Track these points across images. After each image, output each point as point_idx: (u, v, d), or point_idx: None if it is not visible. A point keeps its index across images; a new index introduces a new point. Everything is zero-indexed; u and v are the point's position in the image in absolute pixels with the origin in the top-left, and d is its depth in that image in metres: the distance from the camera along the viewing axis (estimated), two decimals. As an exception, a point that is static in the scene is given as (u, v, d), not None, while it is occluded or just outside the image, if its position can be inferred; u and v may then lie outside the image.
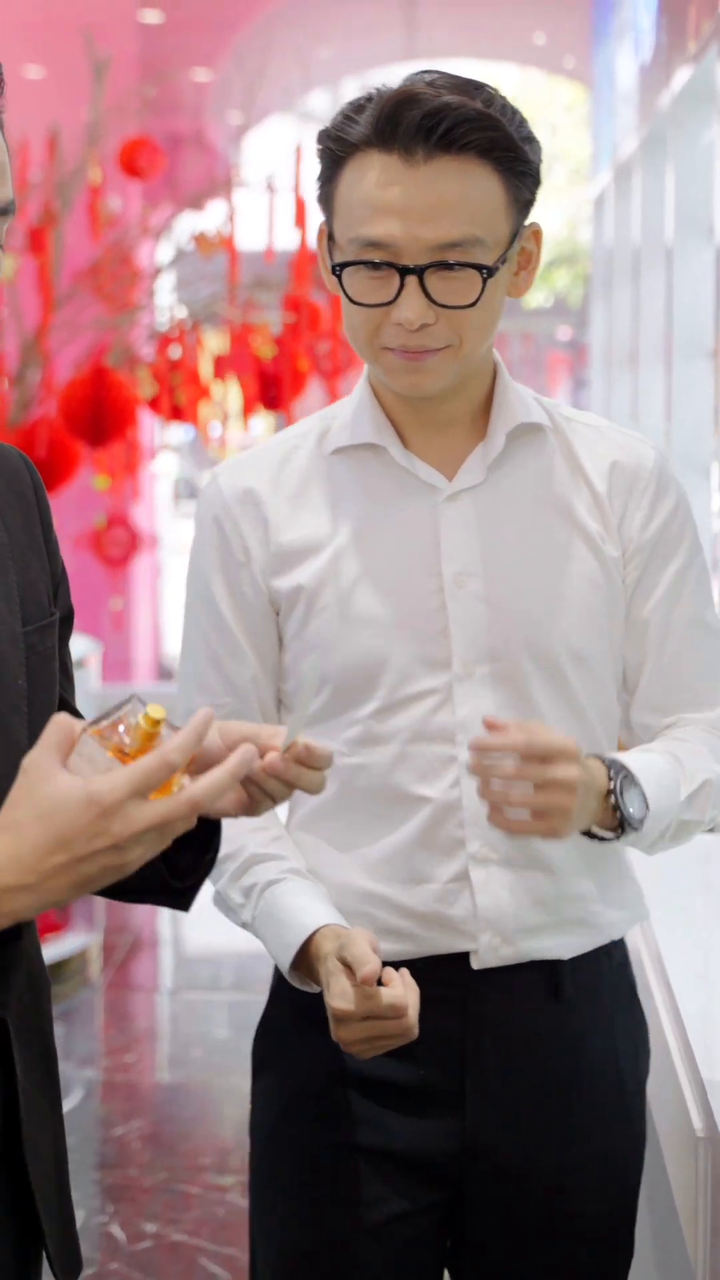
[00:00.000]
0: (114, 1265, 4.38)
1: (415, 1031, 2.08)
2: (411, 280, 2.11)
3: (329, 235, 2.20)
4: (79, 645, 6.66)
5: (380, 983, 2.08)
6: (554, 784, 2.03)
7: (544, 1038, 2.27)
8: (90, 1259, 4.35)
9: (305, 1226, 2.28)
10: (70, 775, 1.58)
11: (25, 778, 1.59)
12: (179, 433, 11.01)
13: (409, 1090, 2.25)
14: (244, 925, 2.30)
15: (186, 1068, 5.79)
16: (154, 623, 12.72)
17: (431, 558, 2.22)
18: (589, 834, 2.15)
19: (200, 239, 8.58)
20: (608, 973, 2.32)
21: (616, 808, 2.13)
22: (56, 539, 1.99)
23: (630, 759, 2.18)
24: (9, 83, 1.78)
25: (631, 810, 2.13)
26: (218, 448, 9.93)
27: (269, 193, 8.73)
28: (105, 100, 8.43)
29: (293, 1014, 2.30)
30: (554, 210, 26.29)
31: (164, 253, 9.73)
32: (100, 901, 6.79)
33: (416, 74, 2.14)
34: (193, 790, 1.58)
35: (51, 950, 6.24)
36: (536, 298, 27.49)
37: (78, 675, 2.09)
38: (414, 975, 2.12)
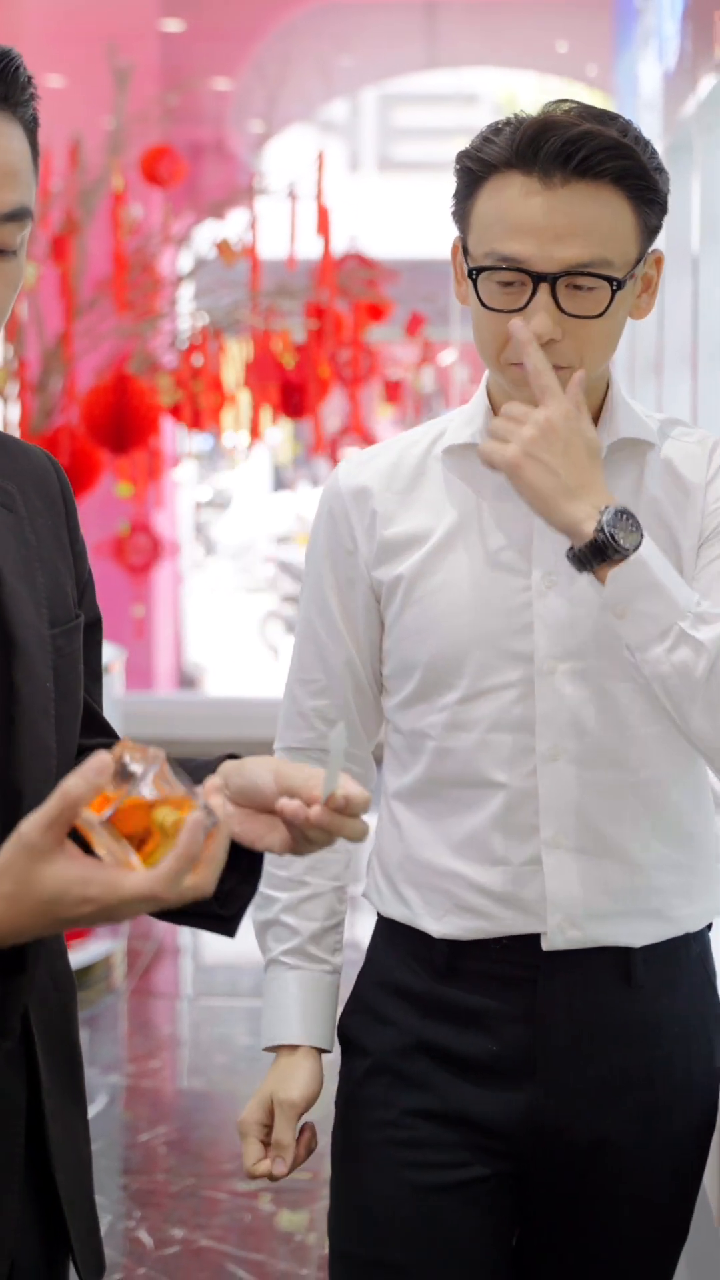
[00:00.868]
0: (141, 1270, 4.38)
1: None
2: (543, 289, 2.21)
3: (464, 250, 2.29)
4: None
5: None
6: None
7: (615, 1021, 2.35)
8: (117, 1264, 4.36)
9: (382, 1180, 2.37)
10: (69, 862, 1.58)
11: (23, 852, 1.59)
12: (199, 441, 11.03)
13: (483, 1064, 2.35)
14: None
15: (210, 1074, 5.80)
16: (175, 630, 12.74)
17: (524, 557, 2.34)
18: (576, 557, 2.18)
19: (222, 246, 8.60)
20: (685, 962, 2.40)
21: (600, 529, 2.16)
22: (84, 542, 2.01)
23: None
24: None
25: (619, 537, 2.15)
26: (239, 456, 9.94)
27: (291, 201, 8.74)
28: (127, 109, 8.45)
29: (379, 990, 2.43)
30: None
31: (185, 261, 9.76)
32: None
33: (554, 102, 2.26)
34: (153, 880, 1.57)
35: (76, 957, 6.25)
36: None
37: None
38: (491, 954, 2.33)
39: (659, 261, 2.31)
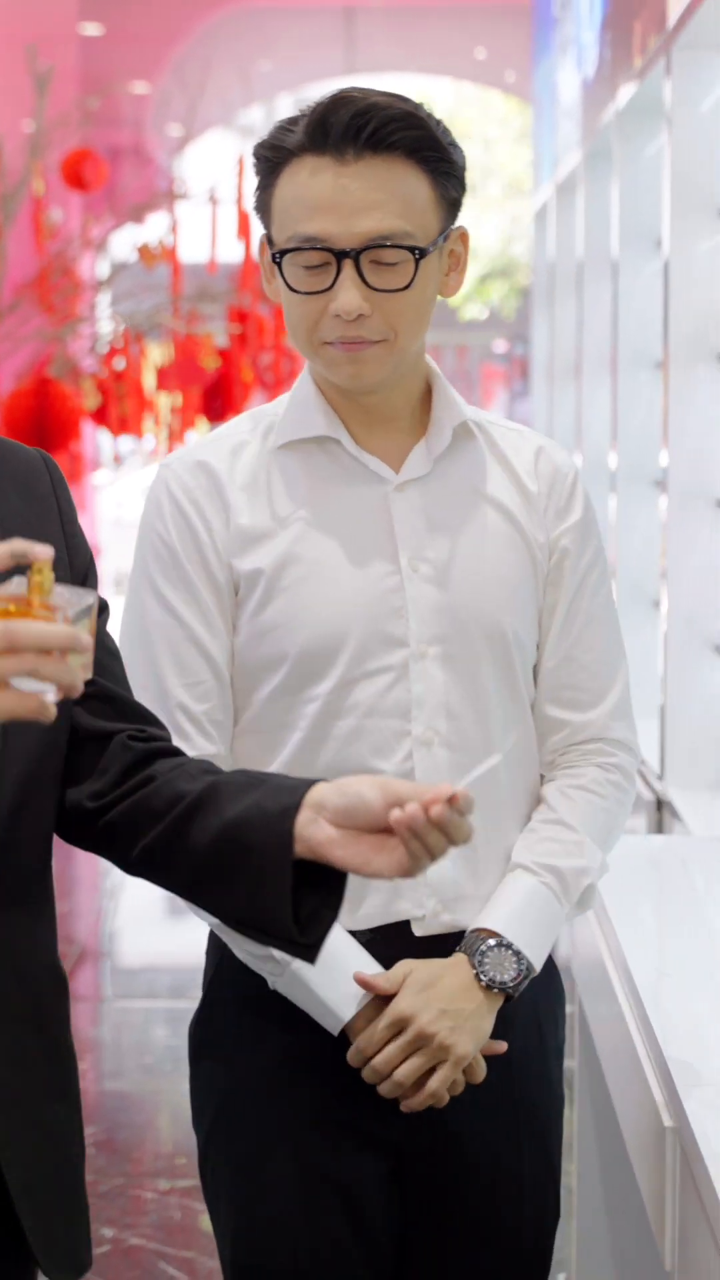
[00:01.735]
0: (70, 1270, 4.39)
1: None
2: (347, 265, 2.22)
3: (269, 241, 2.30)
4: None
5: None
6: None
7: None
8: (46, 1264, 4.36)
9: (261, 1197, 2.35)
10: None
11: None
12: (123, 445, 11.07)
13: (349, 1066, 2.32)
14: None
15: (132, 1075, 5.81)
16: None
17: (387, 542, 2.33)
18: (506, 994, 2.31)
19: (143, 250, 8.62)
20: None
21: (490, 984, 2.29)
22: (83, 534, 2.04)
23: (499, 918, 2.32)
24: None
25: (504, 978, 2.30)
26: (160, 459, 9.94)
27: (211, 205, 8.77)
28: (47, 112, 8.45)
29: (236, 1003, 2.39)
30: (489, 224, 26.39)
31: (105, 265, 9.75)
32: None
33: (348, 87, 2.28)
34: (9, 629, 1.59)
35: None
36: (471, 310, 27.60)
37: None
38: (365, 948, 2.30)
39: (464, 237, 2.32)
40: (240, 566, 2.32)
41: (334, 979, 2.28)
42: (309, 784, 1.89)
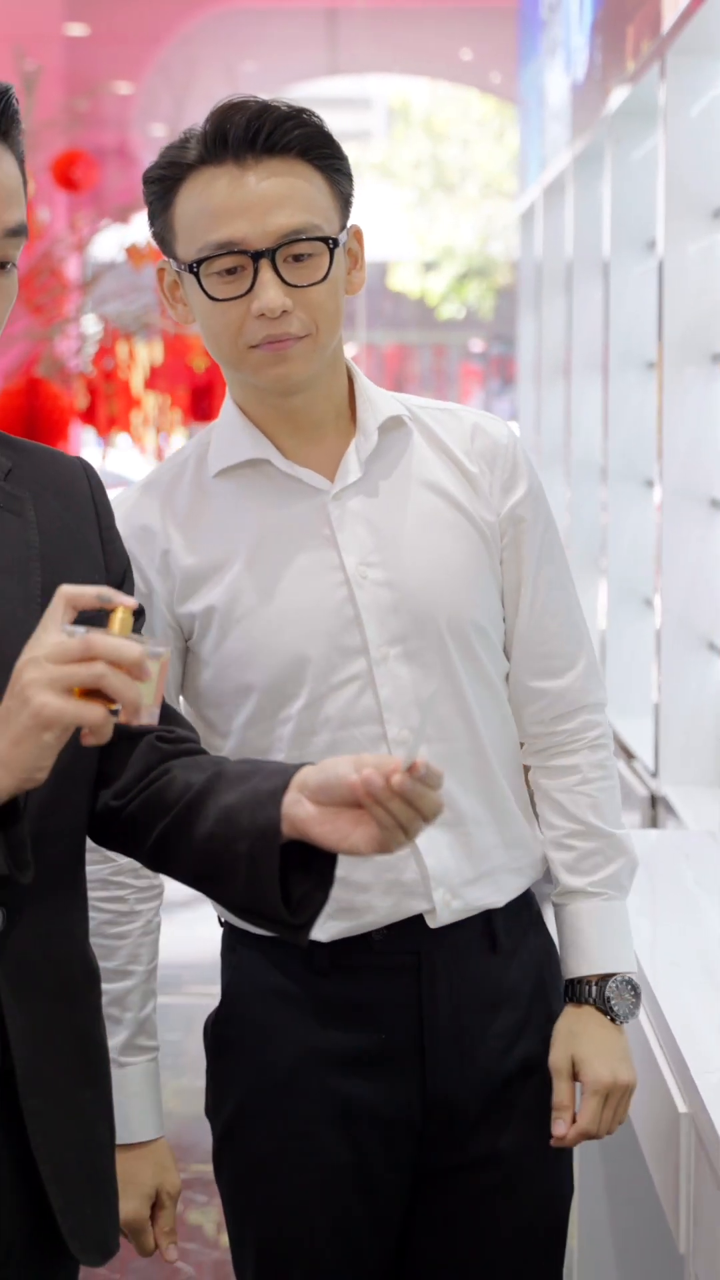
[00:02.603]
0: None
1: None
2: (264, 265, 2.25)
3: (174, 260, 2.32)
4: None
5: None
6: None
7: (486, 990, 2.41)
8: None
9: (287, 1195, 2.38)
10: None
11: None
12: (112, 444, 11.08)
13: (372, 1055, 2.37)
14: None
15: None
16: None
17: (331, 554, 2.36)
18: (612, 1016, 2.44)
19: (131, 250, 8.64)
20: (529, 922, 2.46)
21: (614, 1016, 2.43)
22: (119, 539, 2.09)
23: (593, 961, 2.44)
24: None
25: (622, 1008, 2.44)
26: (147, 459, 9.97)
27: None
28: (34, 113, 8.47)
29: (256, 999, 2.42)
30: (466, 224, 26.45)
31: (89, 265, 9.77)
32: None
33: (233, 95, 2.32)
34: (88, 636, 1.69)
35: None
36: (449, 310, 27.64)
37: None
38: (372, 945, 2.35)
39: (358, 234, 2.37)
40: (191, 609, 2.36)
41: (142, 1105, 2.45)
42: (299, 766, 1.93)
